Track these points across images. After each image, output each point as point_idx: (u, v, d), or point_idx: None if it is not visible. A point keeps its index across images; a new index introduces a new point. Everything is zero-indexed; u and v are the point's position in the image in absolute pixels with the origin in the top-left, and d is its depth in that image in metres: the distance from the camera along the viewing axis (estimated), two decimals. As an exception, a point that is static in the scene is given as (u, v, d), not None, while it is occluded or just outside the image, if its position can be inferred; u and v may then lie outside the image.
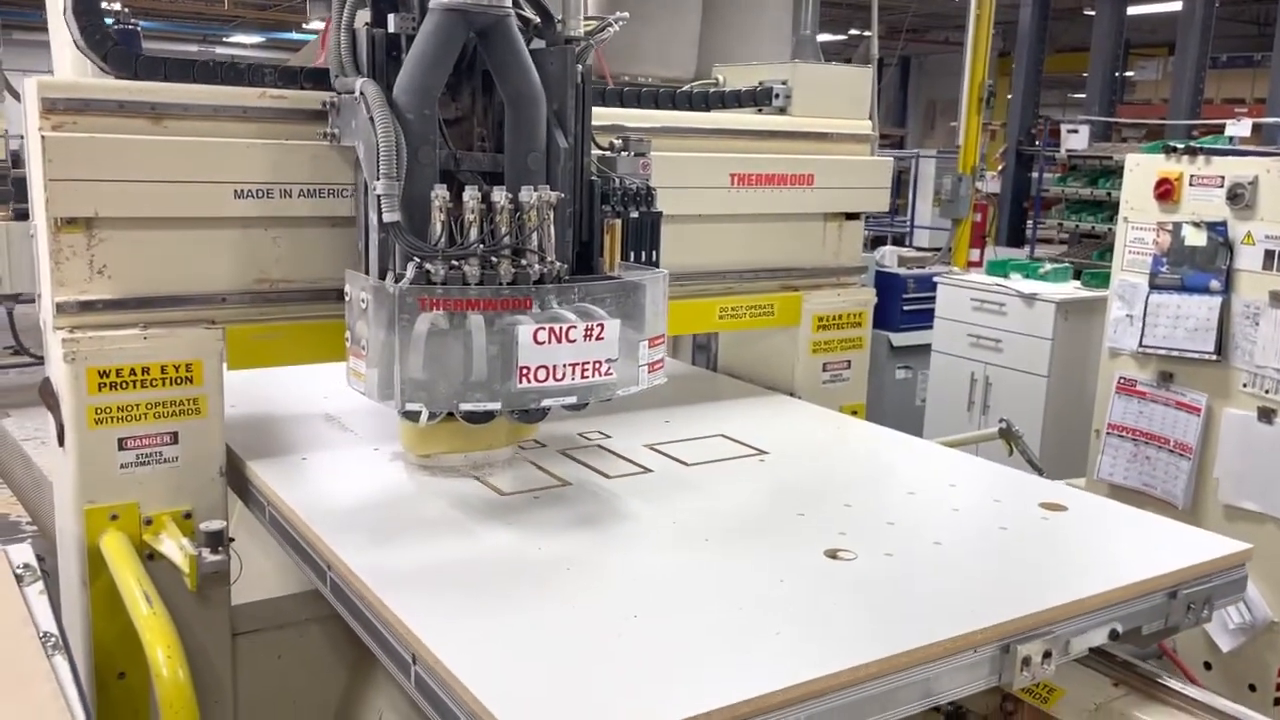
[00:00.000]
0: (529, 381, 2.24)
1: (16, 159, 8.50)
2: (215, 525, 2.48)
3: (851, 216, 3.72)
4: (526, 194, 2.34)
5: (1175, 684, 2.20)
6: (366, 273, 2.47)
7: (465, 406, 2.29)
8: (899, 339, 7.20)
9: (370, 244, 2.47)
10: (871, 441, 3.30)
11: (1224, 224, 3.87)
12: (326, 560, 2.26)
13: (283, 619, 2.99)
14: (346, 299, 2.45)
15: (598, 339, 2.29)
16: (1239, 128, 6.38)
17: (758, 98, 3.56)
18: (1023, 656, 1.99)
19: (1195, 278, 3.93)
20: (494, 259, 2.30)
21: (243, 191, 2.57)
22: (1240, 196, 3.81)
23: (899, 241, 13.82)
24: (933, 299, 6.41)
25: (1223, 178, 3.88)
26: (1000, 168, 12.10)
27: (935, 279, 6.51)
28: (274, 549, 2.82)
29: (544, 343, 2.23)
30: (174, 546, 2.49)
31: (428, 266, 2.26)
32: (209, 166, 2.52)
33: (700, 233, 3.37)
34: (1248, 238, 3.81)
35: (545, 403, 2.33)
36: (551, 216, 2.39)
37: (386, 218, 2.30)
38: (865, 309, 3.78)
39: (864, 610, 2.06)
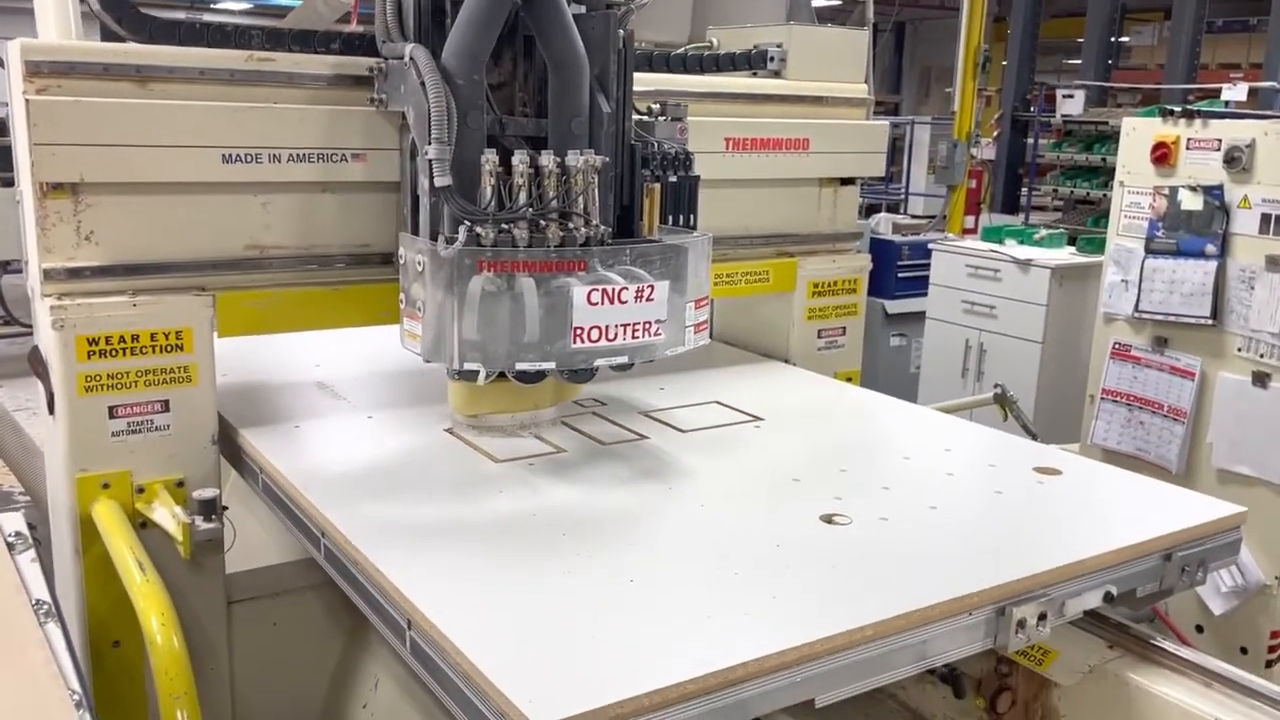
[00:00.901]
0: (583, 342, 2.29)
1: (2, 125, 8.41)
2: (208, 493, 2.48)
3: (847, 181, 3.69)
4: (573, 158, 2.38)
5: (1168, 646, 2.21)
6: (415, 234, 2.50)
7: (520, 366, 2.34)
8: (894, 306, 7.19)
9: (421, 207, 2.49)
10: (866, 407, 3.30)
11: (1220, 188, 3.85)
12: (321, 527, 2.26)
13: (278, 587, 3.00)
14: (400, 262, 2.48)
15: (648, 300, 2.35)
16: (1235, 92, 6.34)
17: (752, 61, 3.52)
18: (1018, 619, 2.00)
19: (1191, 242, 3.92)
20: (542, 222, 2.34)
21: (231, 156, 2.54)
22: (1237, 160, 3.78)
23: (894, 209, 13.76)
24: (927, 266, 6.39)
25: (1220, 141, 3.85)
26: (995, 134, 12.02)
27: (930, 246, 6.49)
28: (268, 517, 2.82)
29: (597, 303, 2.28)
30: (167, 515, 2.48)
31: (478, 230, 2.29)
32: (196, 130, 2.49)
33: (695, 198, 3.35)
34: (1244, 201, 3.79)
35: (596, 363, 2.39)
36: (596, 180, 2.42)
37: (438, 182, 2.32)
38: (860, 275, 3.77)
39: (859, 574, 2.06)
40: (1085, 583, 2.13)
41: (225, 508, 2.62)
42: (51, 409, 2.54)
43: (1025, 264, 5.61)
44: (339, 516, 2.22)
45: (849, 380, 3.69)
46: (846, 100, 3.62)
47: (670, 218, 2.70)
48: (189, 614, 2.56)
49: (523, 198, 2.34)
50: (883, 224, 8.07)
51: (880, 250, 7.07)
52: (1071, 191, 10.37)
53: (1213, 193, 3.85)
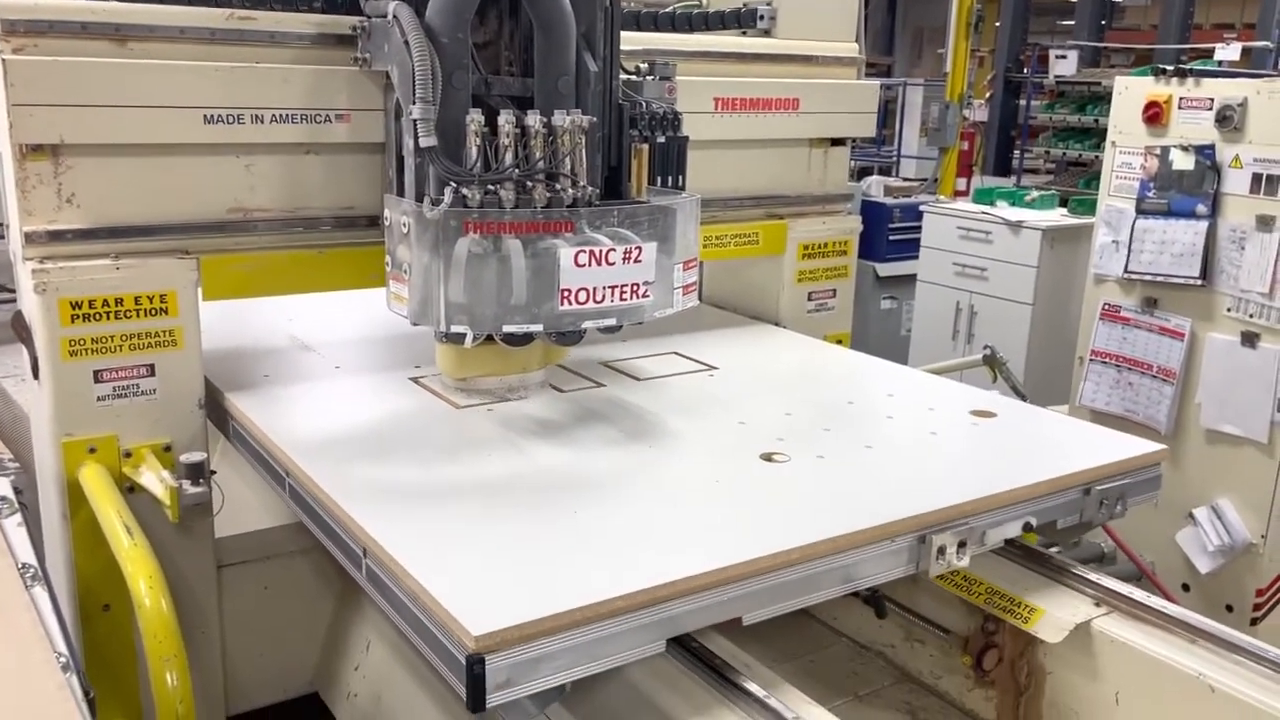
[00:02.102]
0: (570, 304, 2.28)
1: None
2: (195, 457, 2.47)
3: (837, 142, 3.67)
4: (560, 118, 2.35)
5: (1153, 603, 2.22)
6: (400, 196, 2.48)
7: (507, 328, 2.32)
8: (885, 269, 7.17)
9: (406, 168, 2.47)
10: (822, 358, 3.39)
11: (1212, 147, 3.83)
12: (285, 467, 2.35)
13: (268, 551, 3.01)
14: (385, 224, 2.47)
15: (635, 262, 2.34)
16: (1228, 52, 6.27)
17: (742, 19, 3.48)
18: (938, 546, 2.14)
19: (1182, 202, 3.90)
20: (528, 183, 2.32)
21: (212, 117, 2.50)
22: (1229, 119, 3.76)
23: (886, 172, 13.70)
24: (919, 229, 6.36)
25: (1212, 100, 3.82)
26: (988, 95, 11.95)
27: (921, 208, 6.45)
28: (258, 482, 2.82)
29: (585, 265, 2.28)
30: (154, 479, 2.47)
31: (464, 191, 2.27)
32: (176, 90, 2.46)
33: (683, 159, 3.32)
34: (1235, 161, 3.77)
35: (584, 325, 2.37)
36: (584, 141, 2.39)
37: (423, 142, 2.30)
38: (851, 237, 3.75)
39: (791, 506, 2.19)
40: (1005, 514, 2.27)
41: (213, 472, 2.61)
42: (36, 374, 2.53)
43: (1016, 226, 5.58)
44: (303, 458, 2.31)
45: (839, 342, 3.69)
46: (837, 60, 3.59)
47: (659, 178, 2.68)
48: (178, 578, 2.56)
49: (509, 158, 2.31)
50: (874, 186, 8.03)
51: (871, 213, 7.03)
52: (1064, 153, 10.36)
53: (1204, 152, 3.84)
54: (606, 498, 2.22)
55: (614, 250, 2.31)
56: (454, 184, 2.28)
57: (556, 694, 1.78)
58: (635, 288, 2.35)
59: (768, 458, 2.42)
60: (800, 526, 2.04)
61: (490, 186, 2.30)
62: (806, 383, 3.11)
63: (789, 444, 2.48)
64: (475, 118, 2.32)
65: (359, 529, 2.00)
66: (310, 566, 3.09)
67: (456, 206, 2.27)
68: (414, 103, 2.31)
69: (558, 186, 2.35)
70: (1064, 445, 2.63)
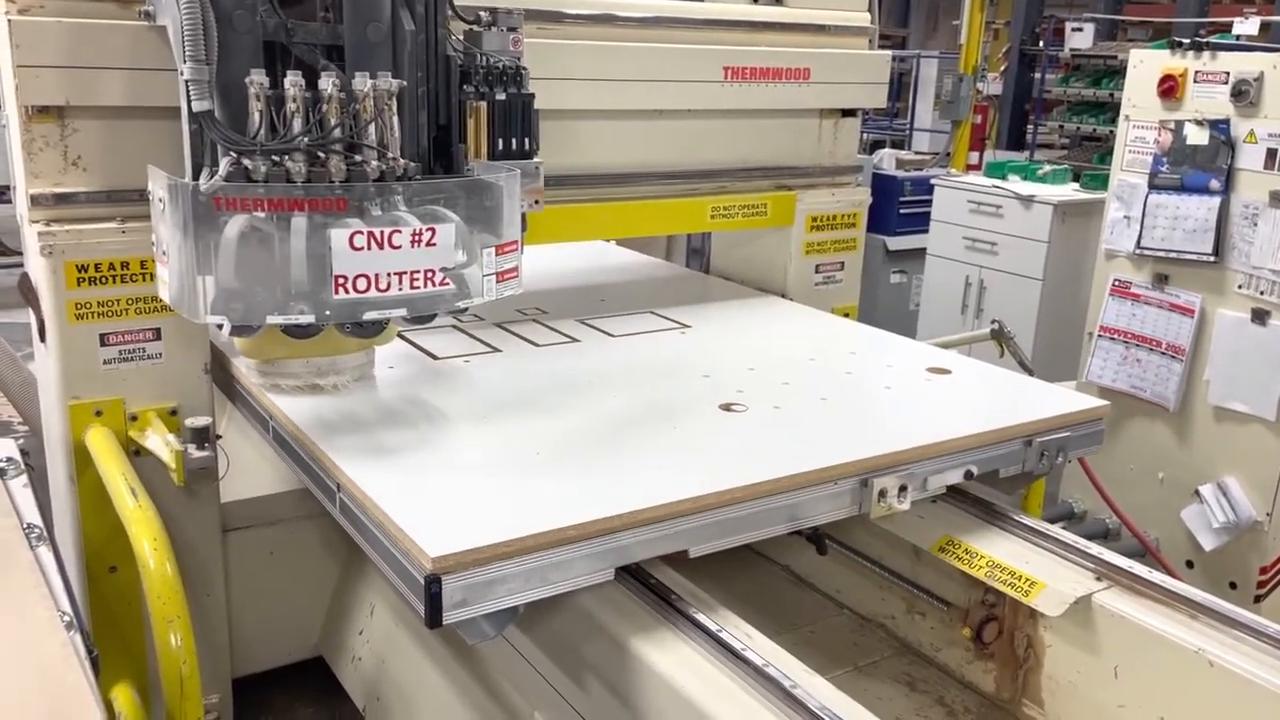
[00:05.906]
0: (347, 292, 2.02)
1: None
2: (201, 421, 2.48)
3: (848, 113, 3.64)
4: (361, 81, 2.08)
5: (1154, 578, 2.22)
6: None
7: (274, 319, 2.07)
8: (895, 243, 7.13)
9: (183, 136, 2.18)
10: (796, 320, 3.44)
11: (1227, 122, 3.78)
12: (269, 412, 2.46)
13: (274, 516, 3.03)
14: (149, 199, 2.20)
15: (428, 245, 2.07)
16: (1247, 25, 6.17)
17: (752, -13, 3.44)
18: (879, 489, 2.21)
19: (1195, 177, 3.86)
20: (322, 154, 2.05)
21: (218, 80, 2.48)
22: (1245, 93, 3.71)
23: (898, 145, 13.59)
24: (930, 202, 6.31)
25: (1228, 74, 3.77)
26: (1003, 68, 11.81)
27: (933, 181, 6.41)
28: (266, 448, 2.83)
29: (362, 249, 2.01)
30: (160, 442, 2.48)
31: (245, 162, 2.02)
32: (182, 53, 2.43)
33: (691, 129, 3.30)
34: (1250, 136, 3.73)
35: (368, 316, 2.10)
36: (394, 106, 2.12)
37: (195, 106, 2.05)
38: (860, 209, 3.73)
39: (742, 450, 2.28)
40: (946, 461, 2.36)
41: (219, 437, 2.62)
42: (43, 336, 2.54)
43: (1028, 200, 5.54)
44: (285, 403, 2.41)
45: (846, 315, 3.68)
46: (848, 29, 3.55)
47: (500, 140, 2.40)
48: (184, 541, 2.59)
49: (297, 125, 2.05)
50: (886, 160, 7.95)
51: (883, 186, 6.98)
52: (1078, 128, 10.24)
53: (1219, 127, 3.79)
54: (569, 440, 2.32)
55: (399, 232, 2.03)
56: (233, 154, 2.01)
57: (510, 615, 1.84)
58: (429, 275, 2.08)
59: (726, 407, 2.51)
60: (748, 467, 2.13)
61: (276, 157, 2.02)
62: (773, 340, 3.18)
63: (748, 395, 2.59)
64: (257, 79, 2.05)
65: (333, 466, 2.10)
66: (316, 532, 3.11)
67: (236, 179, 2.00)
68: (184, 61, 2.03)
69: (359, 158, 2.07)
70: (1011, 399, 2.73)
